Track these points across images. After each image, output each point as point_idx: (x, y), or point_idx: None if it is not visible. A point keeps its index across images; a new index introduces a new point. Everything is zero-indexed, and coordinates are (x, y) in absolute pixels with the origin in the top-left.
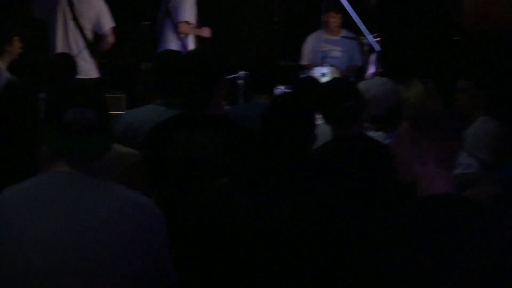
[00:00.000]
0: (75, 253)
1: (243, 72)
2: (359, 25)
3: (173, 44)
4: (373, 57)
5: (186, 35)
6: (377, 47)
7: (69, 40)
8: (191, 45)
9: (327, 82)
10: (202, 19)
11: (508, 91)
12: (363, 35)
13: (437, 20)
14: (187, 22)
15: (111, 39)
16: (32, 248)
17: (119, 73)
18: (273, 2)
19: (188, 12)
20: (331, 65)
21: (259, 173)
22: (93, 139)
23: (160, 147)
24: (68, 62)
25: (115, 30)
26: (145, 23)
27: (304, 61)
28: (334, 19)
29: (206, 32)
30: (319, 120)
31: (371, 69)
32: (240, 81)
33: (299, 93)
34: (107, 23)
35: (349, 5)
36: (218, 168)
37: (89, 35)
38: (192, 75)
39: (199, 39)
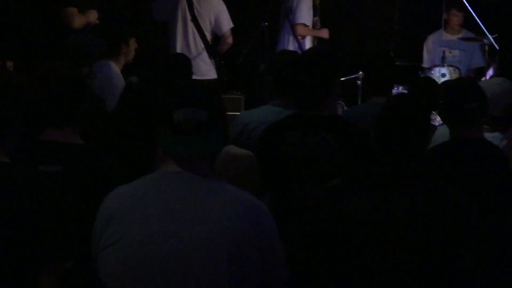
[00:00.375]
0: (186, 253)
1: (362, 72)
2: (480, 24)
3: (290, 45)
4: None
5: (303, 37)
6: (497, 48)
7: (188, 41)
8: (308, 46)
9: (450, 82)
10: (322, 19)
11: None
12: (484, 35)
13: None
14: (304, 24)
15: (230, 40)
16: (143, 247)
17: (238, 74)
18: (394, 1)
19: (304, 14)
20: (450, 66)
21: (372, 174)
22: (203, 139)
23: (274, 147)
24: (184, 62)
25: (234, 31)
26: (264, 24)
27: (424, 61)
28: (456, 17)
29: (324, 33)
30: (437, 121)
31: (491, 70)
32: (359, 82)
33: (416, 93)
34: (226, 24)
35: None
36: (331, 168)
37: (208, 36)
38: (306, 75)
39: (319, 40)
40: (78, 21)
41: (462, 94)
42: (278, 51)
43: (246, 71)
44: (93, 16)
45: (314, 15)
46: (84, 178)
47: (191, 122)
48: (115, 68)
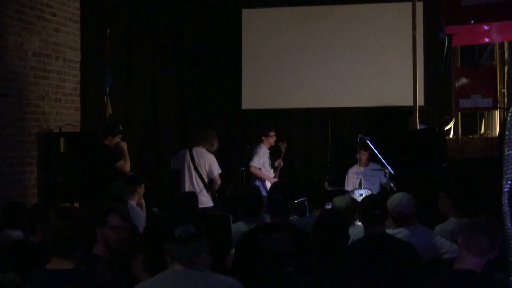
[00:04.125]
0: None
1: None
2: (381, 158)
3: (256, 182)
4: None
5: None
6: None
7: (193, 183)
8: (268, 184)
9: (364, 197)
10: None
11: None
12: (384, 166)
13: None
14: (254, 167)
15: (219, 181)
16: None
17: (226, 202)
18: (326, 147)
19: (255, 159)
20: (366, 188)
21: (314, 261)
22: (195, 245)
23: (251, 243)
24: (194, 196)
25: (222, 174)
26: (242, 168)
27: (347, 186)
28: (364, 156)
29: (270, 180)
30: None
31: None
32: (306, 203)
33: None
34: (216, 171)
35: (372, 146)
36: (286, 257)
37: (206, 178)
38: (278, 195)
39: (279, 176)
40: (127, 167)
41: (369, 204)
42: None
43: (232, 200)
44: (128, 167)
45: (277, 158)
46: None
47: (186, 235)
48: (133, 203)
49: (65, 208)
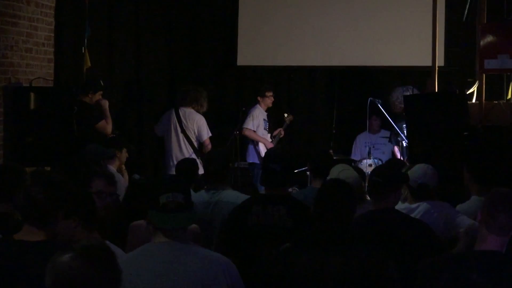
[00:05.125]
0: None
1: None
2: (394, 125)
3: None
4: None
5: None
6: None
7: (181, 147)
8: (263, 149)
9: (375, 168)
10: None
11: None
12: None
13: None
14: (247, 128)
15: (209, 146)
16: None
17: None
18: (332, 111)
19: (249, 121)
20: (375, 158)
21: (314, 239)
22: (181, 215)
23: (242, 217)
24: (192, 164)
25: (214, 137)
26: (236, 132)
27: (354, 155)
28: (376, 122)
29: (267, 143)
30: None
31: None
32: (308, 173)
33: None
34: (206, 134)
35: (384, 111)
36: (284, 232)
37: (195, 142)
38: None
39: (278, 142)
40: (109, 129)
41: (379, 174)
42: None
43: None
44: (110, 128)
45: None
46: None
47: (172, 203)
48: (113, 169)
49: (44, 172)
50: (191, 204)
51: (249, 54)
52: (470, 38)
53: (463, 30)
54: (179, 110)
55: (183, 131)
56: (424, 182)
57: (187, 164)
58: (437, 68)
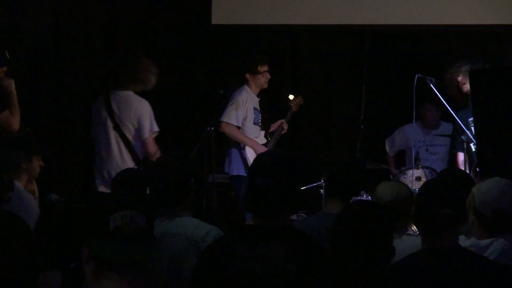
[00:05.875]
0: None
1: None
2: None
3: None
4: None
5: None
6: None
7: (110, 151)
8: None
9: (424, 185)
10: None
11: None
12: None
13: None
14: (227, 123)
15: (151, 148)
16: None
17: None
18: (360, 95)
19: (229, 112)
20: (426, 168)
21: None
22: (141, 245)
23: (220, 262)
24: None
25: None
26: (210, 128)
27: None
28: (430, 113)
29: (256, 146)
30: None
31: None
32: (321, 190)
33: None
34: (148, 129)
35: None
36: (281, 283)
37: (133, 142)
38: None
39: (276, 143)
40: (16, 123)
41: (433, 197)
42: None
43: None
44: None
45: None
46: None
47: (130, 227)
48: (19, 186)
49: None
50: (152, 231)
51: (228, 10)
52: None
53: None
54: (110, 95)
55: (116, 127)
56: (502, 207)
57: (131, 179)
58: None
